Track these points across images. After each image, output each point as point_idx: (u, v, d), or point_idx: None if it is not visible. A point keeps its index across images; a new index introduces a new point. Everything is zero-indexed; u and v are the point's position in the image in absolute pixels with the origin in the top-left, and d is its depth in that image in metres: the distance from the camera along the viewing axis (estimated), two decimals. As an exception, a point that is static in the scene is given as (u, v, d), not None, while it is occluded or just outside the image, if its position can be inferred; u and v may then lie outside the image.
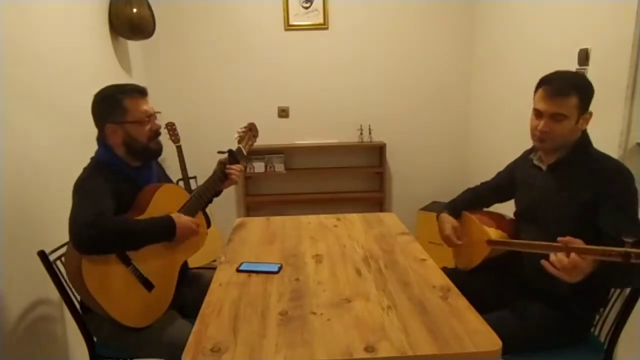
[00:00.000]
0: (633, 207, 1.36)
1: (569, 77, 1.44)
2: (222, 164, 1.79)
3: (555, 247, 1.22)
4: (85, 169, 1.53)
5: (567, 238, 1.20)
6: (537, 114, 1.46)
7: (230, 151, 1.81)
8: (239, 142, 1.88)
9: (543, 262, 1.23)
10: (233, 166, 1.79)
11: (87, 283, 1.33)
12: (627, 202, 1.35)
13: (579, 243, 1.19)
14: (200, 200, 1.69)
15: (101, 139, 1.55)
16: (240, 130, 1.92)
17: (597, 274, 1.21)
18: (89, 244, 1.33)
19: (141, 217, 1.48)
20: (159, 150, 1.62)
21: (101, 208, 1.38)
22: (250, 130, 1.95)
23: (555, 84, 1.41)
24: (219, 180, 1.78)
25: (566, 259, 1.18)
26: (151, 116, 1.57)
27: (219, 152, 1.84)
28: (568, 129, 1.41)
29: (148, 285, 1.47)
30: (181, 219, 1.52)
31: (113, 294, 1.39)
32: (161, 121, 1.65)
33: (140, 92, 1.55)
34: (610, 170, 1.39)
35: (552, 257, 1.21)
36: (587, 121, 1.45)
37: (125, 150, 1.54)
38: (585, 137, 1.49)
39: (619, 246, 1.11)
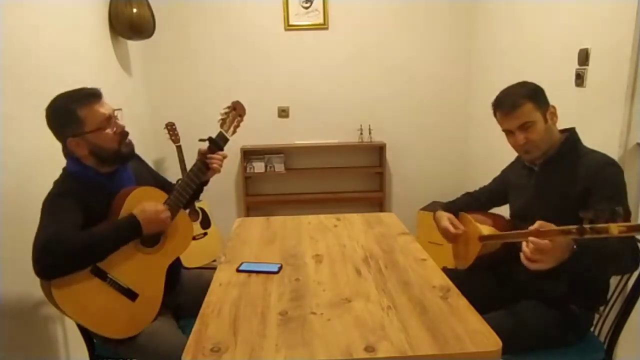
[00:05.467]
0: (621, 197, 1.38)
1: (513, 90, 1.52)
2: (202, 154, 1.62)
3: (528, 232, 1.24)
4: (55, 183, 1.46)
5: (539, 222, 1.22)
6: (508, 133, 1.54)
7: (210, 138, 1.64)
8: (221, 125, 1.67)
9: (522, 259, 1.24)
10: (214, 155, 1.61)
11: (61, 306, 1.29)
12: (616, 192, 1.37)
13: (549, 226, 1.21)
14: (180, 197, 1.56)
15: (67, 152, 1.46)
16: (222, 112, 1.68)
17: (574, 259, 1.22)
18: (48, 270, 1.27)
19: None
20: (131, 152, 1.53)
21: (62, 231, 1.30)
22: (235, 110, 1.70)
23: (505, 102, 1.51)
24: (200, 172, 1.60)
25: (527, 249, 1.21)
26: (110, 119, 1.45)
27: (200, 140, 1.67)
28: (541, 130, 1.48)
29: (131, 295, 1.42)
30: (143, 209, 1.40)
31: (93, 311, 1.34)
32: (123, 119, 1.54)
33: (93, 95, 1.43)
34: (599, 163, 1.43)
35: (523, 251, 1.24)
36: (554, 114, 1.52)
37: (95, 160, 1.46)
38: (573, 134, 1.54)
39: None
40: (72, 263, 1.30)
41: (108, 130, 1.44)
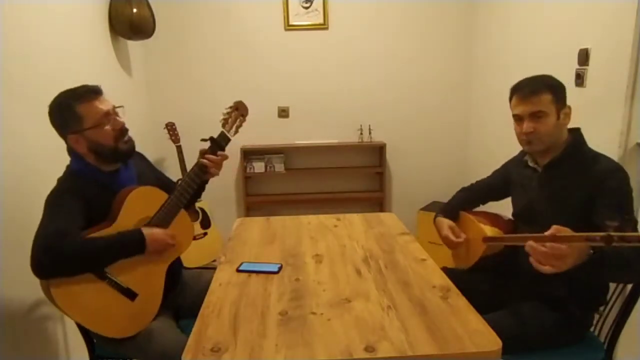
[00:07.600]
0: (627, 203, 1.37)
1: (538, 78, 1.50)
2: (202, 154, 1.58)
3: (543, 237, 1.18)
4: (58, 180, 1.47)
5: (556, 227, 1.17)
6: (518, 119, 1.51)
7: (211, 138, 1.60)
8: (223, 125, 1.63)
9: (531, 260, 1.18)
10: (209, 156, 1.57)
11: (59, 303, 1.29)
12: (621, 198, 1.37)
13: (566, 231, 1.17)
14: (180, 199, 1.54)
15: (70, 150, 1.47)
16: (224, 112, 1.65)
17: (589, 265, 1.18)
18: (45, 270, 1.27)
19: (113, 225, 1.40)
20: (130, 150, 1.51)
21: (62, 229, 1.30)
22: (237, 110, 1.66)
23: (526, 87, 1.48)
24: (201, 172, 1.57)
25: (542, 248, 1.15)
26: (109, 115, 1.44)
27: (202, 140, 1.64)
28: (550, 125, 1.45)
29: (130, 294, 1.42)
30: (153, 233, 1.43)
31: (92, 311, 1.34)
32: (125, 116, 1.52)
33: (92, 92, 1.43)
34: (605, 169, 1.41)
35: (528, 248, 1.18)
36: (568, 116, 1.49)
37: (95, 157, 1.46)
38: (578, 136, 1.52)
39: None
40: (70, 265, 1.30)
41: (107, 127, 1.43)
